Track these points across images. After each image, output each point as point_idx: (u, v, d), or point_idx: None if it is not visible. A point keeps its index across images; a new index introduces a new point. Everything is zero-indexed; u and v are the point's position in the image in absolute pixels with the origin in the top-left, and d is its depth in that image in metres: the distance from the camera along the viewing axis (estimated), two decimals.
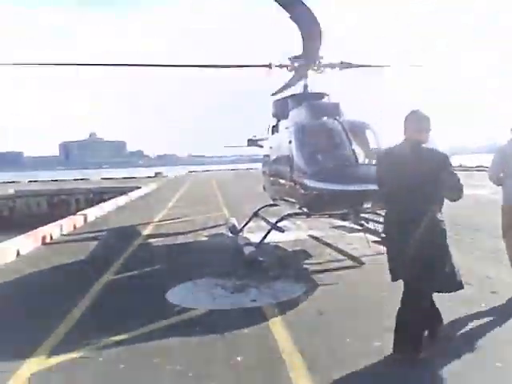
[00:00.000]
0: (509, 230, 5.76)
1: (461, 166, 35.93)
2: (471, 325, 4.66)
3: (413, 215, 3.83)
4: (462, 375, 3.65)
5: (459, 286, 4.01)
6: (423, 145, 3.97)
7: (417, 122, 4.00)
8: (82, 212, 15.54)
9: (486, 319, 4.80)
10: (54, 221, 12.83)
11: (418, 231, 3.76)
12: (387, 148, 4.40)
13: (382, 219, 8.48)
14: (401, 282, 4.04)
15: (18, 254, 9.09)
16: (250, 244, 8.39)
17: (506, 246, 5.86)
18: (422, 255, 3.79)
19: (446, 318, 4.40)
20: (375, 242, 8.90)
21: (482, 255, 7.55)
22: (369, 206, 7.34)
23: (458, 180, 3.87)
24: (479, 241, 8.69)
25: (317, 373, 3.78)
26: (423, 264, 3.81)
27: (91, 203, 22.95)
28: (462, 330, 4.54)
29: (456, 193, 3.90)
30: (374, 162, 7.61)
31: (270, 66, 9.55)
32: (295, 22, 7.93)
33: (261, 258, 7.45)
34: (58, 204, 28.45)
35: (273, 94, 11.30)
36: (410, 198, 3.85)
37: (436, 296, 4.12)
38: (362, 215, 8.40)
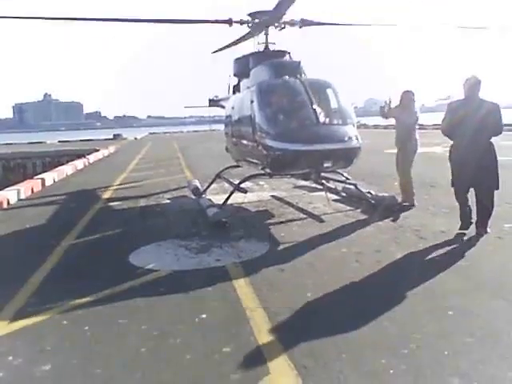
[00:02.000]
0: None
1: None
2: None
3: (477, 143, 5.95)
4: None
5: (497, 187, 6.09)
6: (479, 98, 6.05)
7: (473, 83, 6.05)
8: (40, 176, 15.07)
9: None
10: (11, 185, 12.44)
11: (480, 152, 5.94)
12: (455, 101, 6.38)
13: (341, 178, 8.81)
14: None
15: None
16: (213, 205, 8.42)
17: None
18: (483, 166, 5.95)
19: None
20: (335, 200, 9.14)
21: None
22: (329, 165, 7.44)
23: (501, 121, 6.07)
24: None
25: (277, 325, 3.93)
26: (484, 171, 5.96)
27: (48, 167, 22.27)
28: None
29: (499, 130, 6.05)
30: (335, 121, 7.71)
31: (230, 22, 9.24)
32: None
33: (224, 219, 7.49)
34: (14, 168, 27.45)
35: (214, 52, 11.22)
36: (474, 132, 5.91)
37: None
38: (323, 174, 8.54)
